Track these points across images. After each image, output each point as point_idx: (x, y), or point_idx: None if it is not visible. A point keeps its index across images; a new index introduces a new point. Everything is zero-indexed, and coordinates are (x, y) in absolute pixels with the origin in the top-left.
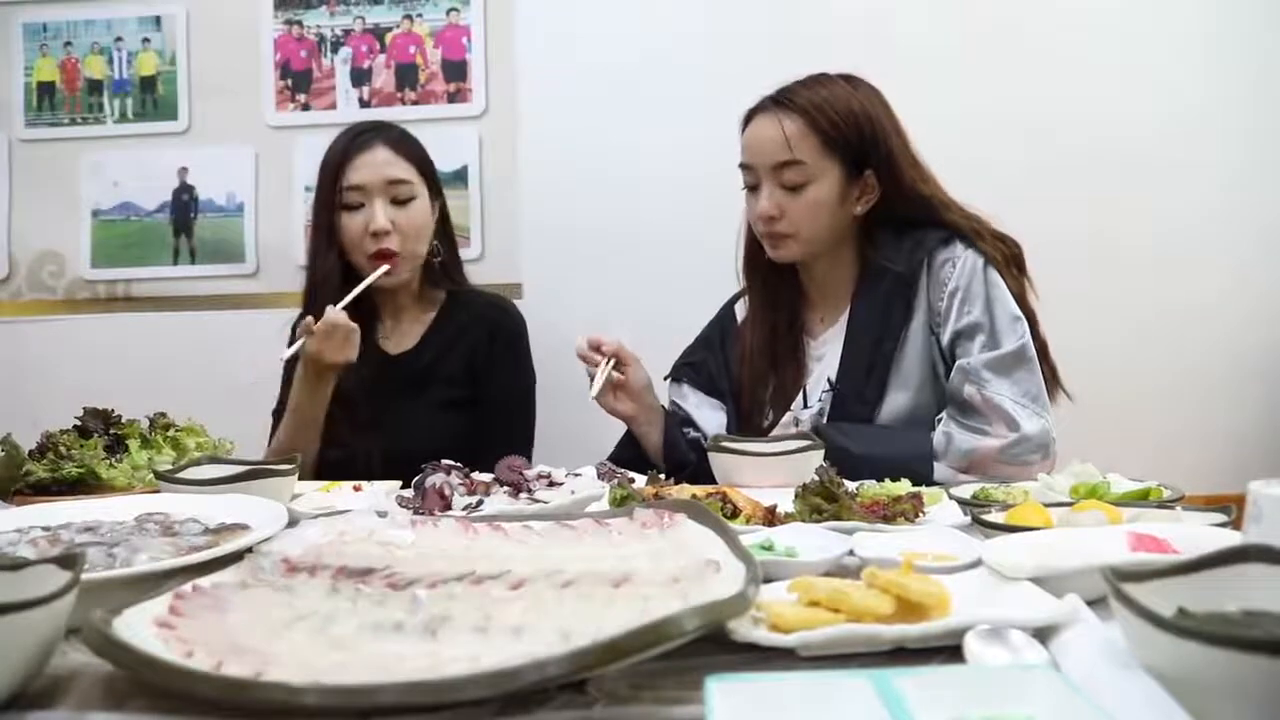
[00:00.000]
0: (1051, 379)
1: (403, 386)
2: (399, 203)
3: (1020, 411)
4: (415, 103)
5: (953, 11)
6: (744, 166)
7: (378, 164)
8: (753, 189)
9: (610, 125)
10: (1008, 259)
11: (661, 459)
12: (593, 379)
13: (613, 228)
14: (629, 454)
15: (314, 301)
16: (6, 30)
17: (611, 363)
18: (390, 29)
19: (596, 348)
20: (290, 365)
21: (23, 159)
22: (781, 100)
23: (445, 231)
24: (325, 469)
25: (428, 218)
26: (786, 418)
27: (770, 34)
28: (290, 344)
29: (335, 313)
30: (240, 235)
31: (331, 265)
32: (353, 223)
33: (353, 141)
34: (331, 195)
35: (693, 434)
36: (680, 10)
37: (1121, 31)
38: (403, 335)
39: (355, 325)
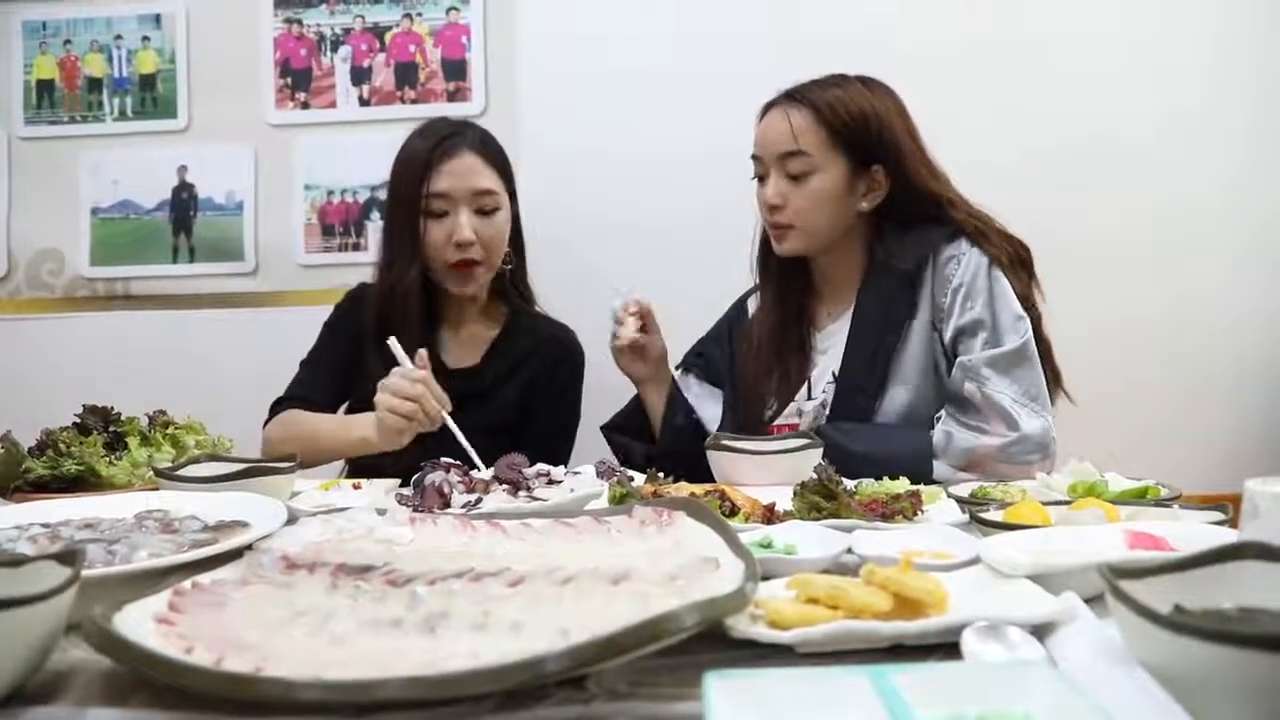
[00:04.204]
0: (1054, 381)
1: (457, 403)
2: (484, 213)
3: (1020, 411)
4: (415, 101)
5: (954, 11)
6: (755, 158)
7: (464, 172)
8: (761, 179)
9: (610, 124)
10: (1013, 259)
11: (660, 420)
12: (615, 335)
13: (612, 226)
14: (629, 422)
15: (390, 308)
16: (6, 28)
17: (639, 323)
18: (390, 28)
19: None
20: (331, 325)
21: (22, 157)
22: (794, 95)
23: (516, 236)
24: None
25: (508, 227)
26: (789, 408)
27: (771, 34)
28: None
29: (419, 389)
30: (239, 234)
31: (415, 275)
32: (436, 230)
33: (438, 146)
34: (415, 199)
35: (694, 416)
36: (680, 10)
37: (1122, 32)
38: (463, 349)
39: (429, 425)
